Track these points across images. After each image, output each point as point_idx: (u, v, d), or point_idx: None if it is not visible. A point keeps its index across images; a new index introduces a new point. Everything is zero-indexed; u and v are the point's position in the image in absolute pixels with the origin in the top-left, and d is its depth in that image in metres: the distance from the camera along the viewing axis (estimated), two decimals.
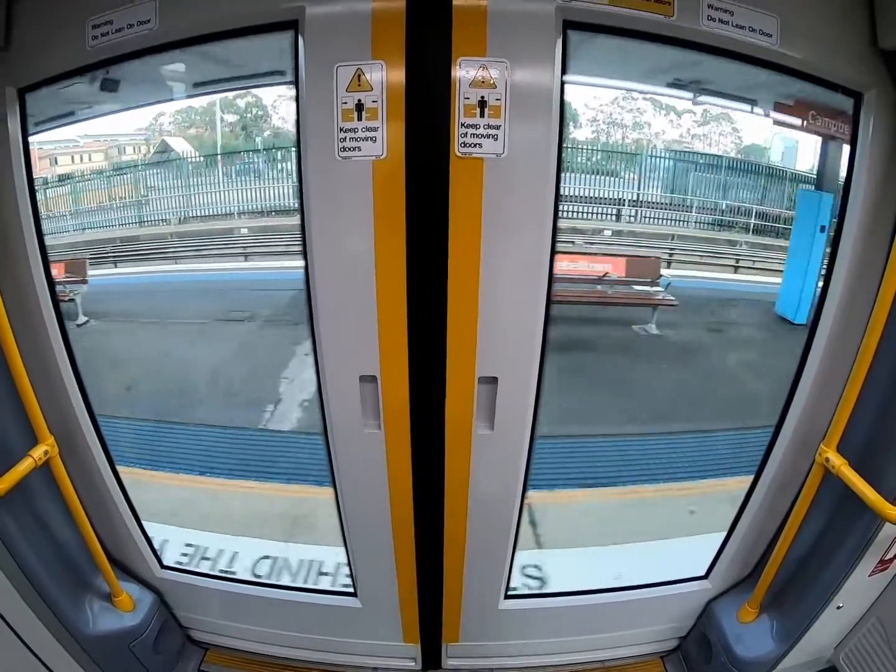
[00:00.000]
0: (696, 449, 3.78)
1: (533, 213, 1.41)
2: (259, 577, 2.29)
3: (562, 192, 1.43)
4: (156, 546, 2.06)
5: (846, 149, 1.50)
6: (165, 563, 2.08)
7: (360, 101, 1.31)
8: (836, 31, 1.38)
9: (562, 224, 1.51)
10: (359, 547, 1.88)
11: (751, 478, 1.88)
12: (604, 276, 6.10)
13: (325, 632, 2.07)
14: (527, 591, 2.04)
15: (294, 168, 1.43)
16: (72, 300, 5.50)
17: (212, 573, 2.15)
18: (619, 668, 2.11)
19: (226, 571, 2.30)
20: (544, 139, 1.35)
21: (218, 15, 1.33)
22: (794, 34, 1.36)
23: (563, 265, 5.98)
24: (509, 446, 1.67)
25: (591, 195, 8.28)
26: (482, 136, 1.33)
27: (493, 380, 1.57)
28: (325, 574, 2.27)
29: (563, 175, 1.41)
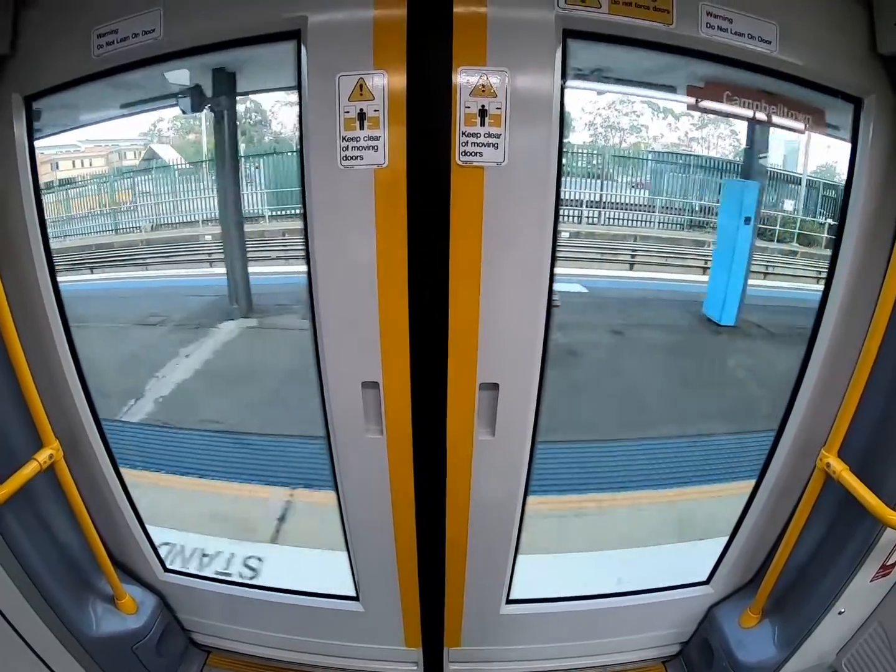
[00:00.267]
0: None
1: (533, 221, 1.42)
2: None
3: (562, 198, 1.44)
4: None
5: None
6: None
7: (361, 110, 1.32)
8: (835, 36, 1.38)
9: None
10: (361, 551, 1.89)
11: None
12: None
13: (328, 636, 2.08)
14: (528, 597, 2.04)
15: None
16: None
17: (215, 577, 2.15)
18: None
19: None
20: (544, 147, 1.36)
21: (221, 25, 1.34)
22: (793, 40, 1.36)
23: None
24: (510, 452, 1.68)
25: None
26: (483, 144, 1.33)
27: (495, 386, 1.57)
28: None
29: (563, 182, 1.41)
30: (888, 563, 1.61)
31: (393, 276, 1.45)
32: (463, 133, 1.33)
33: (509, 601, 2.00)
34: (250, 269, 5.30)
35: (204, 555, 2.31)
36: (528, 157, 1.36)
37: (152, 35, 1.36)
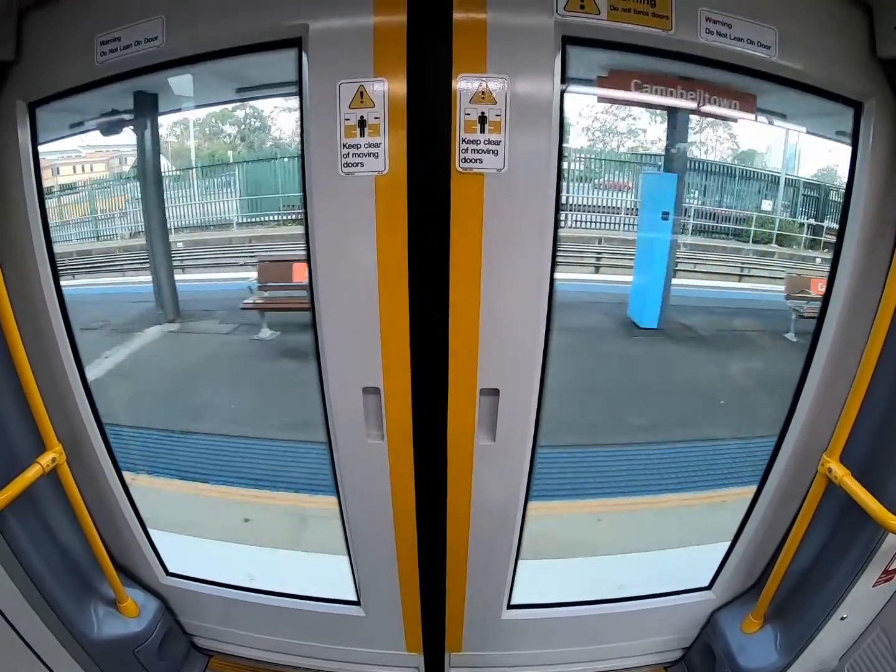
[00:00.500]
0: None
1: (533, 227, 1.42)
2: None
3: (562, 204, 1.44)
4: None
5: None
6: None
7: (362, 117, 1.33)
8: (835, 41, 1.38)
9: None
10: (362, 556, 1.89)
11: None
12: None
13: (329, 640, 2.08)
14: (529, 602, 2.03)
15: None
16: None
17: (216, 580, 2.16)
18: None
19: None
20: (544, 154, 1.37)
21: (223, 33, 1.35)
22: (792, 45, 1.36)
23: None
24: (511, 457, 1.68)
25: None
26: (483, 151, 1.34)
27: (495, 391, 1.57)
28: None
29: (562, 188, 1.42)
30: (890, 569, 1.60)
31: (393, 282, 1.46)
32: (463, 140, 1.34)
33: (510, 606, 1.99)
34: (204, 276, 5.41)
35: None
36: (527, 164, 1.37)
37: (155, 43, 1.38)
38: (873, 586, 1.62)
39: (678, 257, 6.82)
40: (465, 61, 1.30)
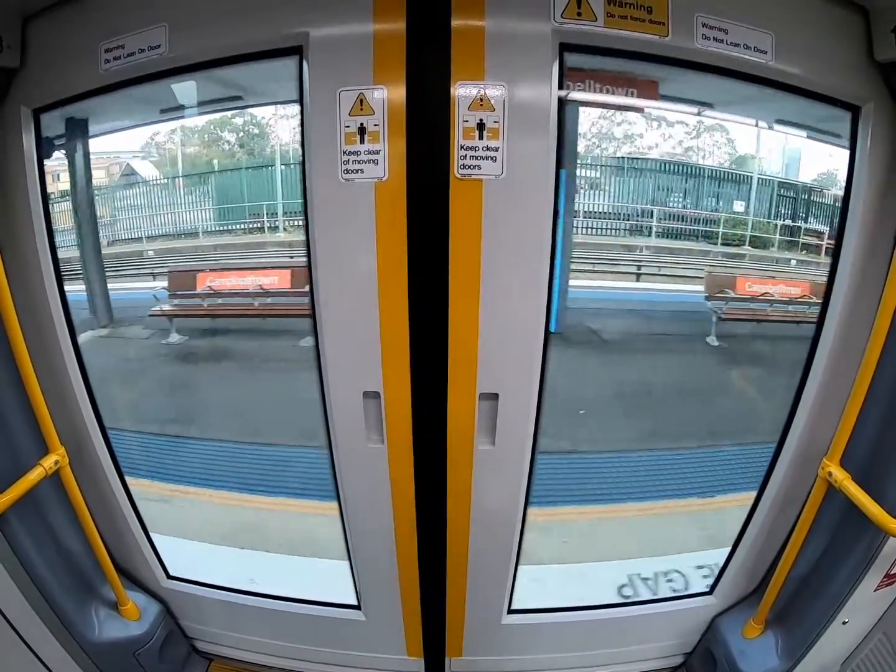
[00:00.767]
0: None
1: (532, 232, 1.43)
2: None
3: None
4: None
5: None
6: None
7: (362, 124, 1.34)
8: (832, 45, 1.39)
9: None
10: (363, 560, 1.89)
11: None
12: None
13: (329, 644, 2.08)
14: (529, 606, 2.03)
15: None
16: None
17: (218, 584, 2.16)
18: None
19: None
20: (542, 160, 1.38)
21: (225, 41, 1.37)
22: (789, 50, 1.37)
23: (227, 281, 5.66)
24: (511, 462, 1.68)
25: None
26: (481, 157, 1.35)
27: (494, 396, 1.58)
28: None
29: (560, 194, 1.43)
30: (892, 573, 1.59)
31: (393, 287, 1.47)
32: (462, 146, 1.35)
33: (511, 611, 1.99)
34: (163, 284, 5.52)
35: None
36: (526, 170, 1.38)
37: (158, 50, 1.39)
38: (875, 591, 1.61)
39: (612, 258, 6.85)
40: (463, 68, 1.31)
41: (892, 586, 1.63)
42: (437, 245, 1.43)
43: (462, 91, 1.32)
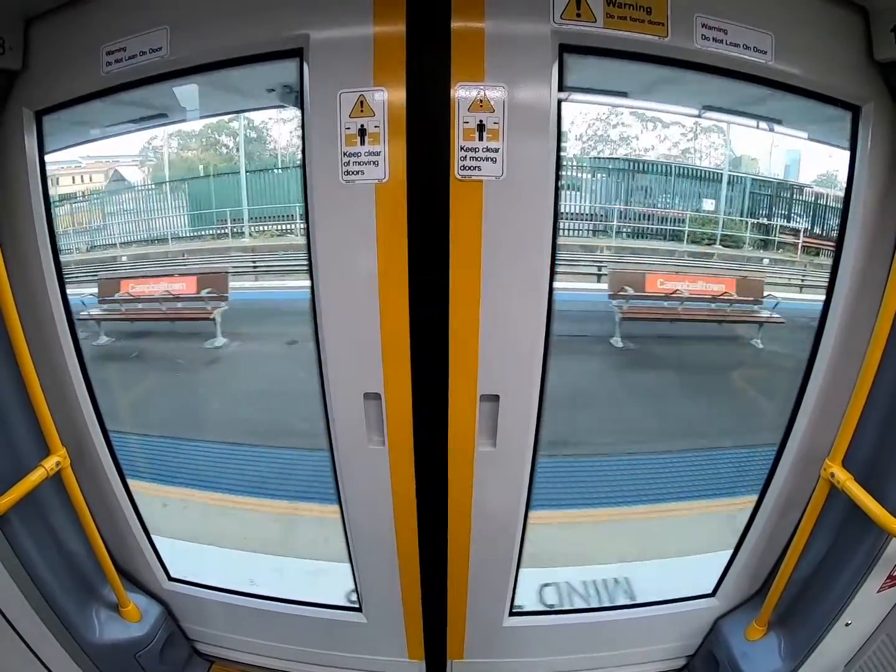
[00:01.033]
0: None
1: (532, 233, 1.43)
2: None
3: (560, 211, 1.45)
4: None
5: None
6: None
7: (362, 126, 1.35)
8: (831, 45, 1.39)
9: None
10: (364, 562, 1.89)
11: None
12: None
13: (330, 647, 2.07)
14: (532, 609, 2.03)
15: (300, 190, 1.46)
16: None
17: (219, 586, 2.16)
18: None
19: None
20: (542, 160, 1.38)
21: (225, 43, 1.38)
22: (789, 50, 1.37)
23: None
24: (512, 463, 1.68)
25: None
26: (481, 158, 1.35)
27: (495, 398, 1.58)
28: None
29: (560, 195, 1.43)
30: (895, 574, 1.58)
31: (394, 289, 1.47)
32: (462, 148, 1.35)
33: (512, 613, 1.98)
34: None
35: None
36: (526, 171, 1.38)
37: (159, 53, 1.40)
38: (878, 592, 1.60)
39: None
40: (463, 70, 1.31)
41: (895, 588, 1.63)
42: (437, 246, 1.43)
43: (462, 92, 1.32)
